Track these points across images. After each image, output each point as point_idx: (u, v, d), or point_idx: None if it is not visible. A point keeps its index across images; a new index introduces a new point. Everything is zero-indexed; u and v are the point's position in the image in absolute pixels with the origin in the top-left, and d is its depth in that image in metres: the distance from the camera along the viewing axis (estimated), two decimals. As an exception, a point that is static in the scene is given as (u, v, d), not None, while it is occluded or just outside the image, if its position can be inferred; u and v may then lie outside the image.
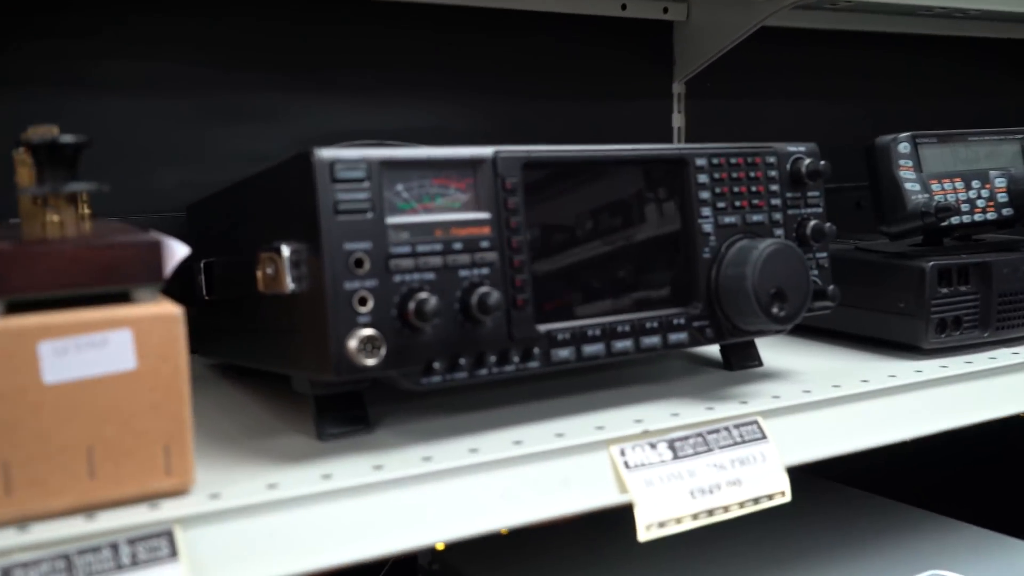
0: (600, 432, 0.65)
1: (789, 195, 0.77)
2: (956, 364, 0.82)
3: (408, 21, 1.12)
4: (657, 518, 0.63)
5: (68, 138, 0.51)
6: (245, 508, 0.53)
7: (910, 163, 0.88)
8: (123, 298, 0.53)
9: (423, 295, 0.59)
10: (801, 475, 0.71)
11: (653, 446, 0.66)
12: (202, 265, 0.78)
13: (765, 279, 0.70)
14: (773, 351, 0.90)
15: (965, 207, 0.90)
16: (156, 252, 0.53)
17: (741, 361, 0.83)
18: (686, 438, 0.67)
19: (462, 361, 0.61)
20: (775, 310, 0.70)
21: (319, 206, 0.57)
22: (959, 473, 1.54)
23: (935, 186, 0.88)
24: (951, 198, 0.88)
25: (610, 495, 0.63)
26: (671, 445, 0.66)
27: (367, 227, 0.58)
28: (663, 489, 0.64)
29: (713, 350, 0.86)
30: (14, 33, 0.93)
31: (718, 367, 0.84)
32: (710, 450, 0.67)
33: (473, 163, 0.63)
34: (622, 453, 0.64)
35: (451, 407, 0.72)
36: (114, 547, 0.49)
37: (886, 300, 0.87)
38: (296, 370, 0.64)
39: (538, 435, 0.64)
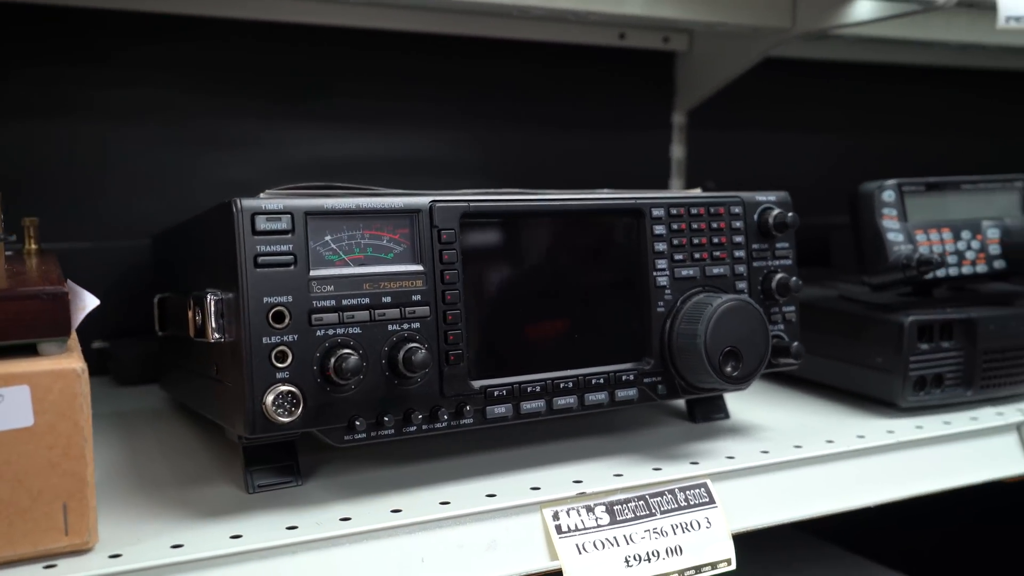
0: (535, 493, 0.62)
1: (755, 247, 0.74)
2: (933, 424, 0.78)
3: (399, 50, 1.10)
4: (587, 588, 0.60)
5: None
6: (141, 571, 0.51)
7: (894, 212, 0.84)
8: (30, 350, 0.52)
9: (344, 352, 0.57)
10: (786, 530, 0.67)
11: (590, 510, 0.63)
12: (156, 300, 0.78)
13: (719, 337, 0.67)
14: (743, 402, 0.87)
15: (952, 259, 0.85)
16: (63, 305, 0.52)
17: (706, 413, 0.80)
18: (626, 502, 0.64)
19: (386, 419, 0.59)
20: (728, 369, 0.67)
21: (239, 258, 0.56)
22: (955, 533, 1.47)
23: (920, 236, 0.84)
24: (937, 249, 0.84)
25: (539, 561, 0.61)
26: (609, 509, 0.64)
27: (289, 280, 0.57)
28: (596, 556, 0.61)
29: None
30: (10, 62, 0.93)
31: (683, 418, 0.81)
32: (652, 515, 0.64)
33: (408, 213, 0.61)
34: (555, 517, 0.62)
35: (398, 456, 0.70)
36: (-1, 608, 0.48)
37: (864, 354, 0.84)
38: (223, 421, 0.63)
39: (469, 494, 0.62)
